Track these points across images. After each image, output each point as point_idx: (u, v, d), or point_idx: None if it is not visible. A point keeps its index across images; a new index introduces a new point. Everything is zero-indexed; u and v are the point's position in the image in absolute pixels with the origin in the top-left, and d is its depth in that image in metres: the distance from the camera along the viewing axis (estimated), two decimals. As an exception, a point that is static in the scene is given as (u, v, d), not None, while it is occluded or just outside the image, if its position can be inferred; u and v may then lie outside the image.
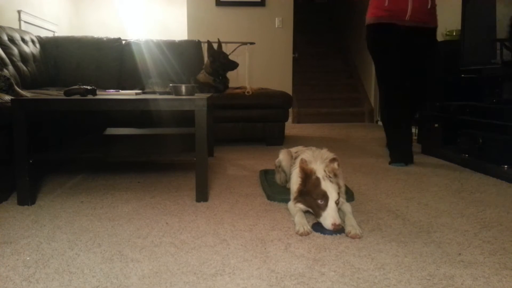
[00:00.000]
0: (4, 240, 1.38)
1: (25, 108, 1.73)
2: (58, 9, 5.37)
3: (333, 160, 1.57)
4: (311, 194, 1.49)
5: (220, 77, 3.42)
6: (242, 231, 1.48)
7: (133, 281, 1.10)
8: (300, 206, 1.57)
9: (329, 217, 1.43)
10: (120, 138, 2.60)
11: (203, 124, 1.79)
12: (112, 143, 2.36)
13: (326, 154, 1.68)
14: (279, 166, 1.98)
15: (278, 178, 2.03)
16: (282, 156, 1.97)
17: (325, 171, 1.51)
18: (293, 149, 1.97)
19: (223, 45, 3.59)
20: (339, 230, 1.43)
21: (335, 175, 1.53)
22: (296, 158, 1.81)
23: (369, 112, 6.00)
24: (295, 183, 1.62)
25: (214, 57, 3.39)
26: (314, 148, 1.78)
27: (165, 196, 1.92)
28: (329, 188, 1.46)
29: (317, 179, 1.49)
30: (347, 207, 1.59)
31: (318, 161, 1.57)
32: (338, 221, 1.42)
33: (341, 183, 1.59)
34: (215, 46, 3.46)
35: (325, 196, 1.45)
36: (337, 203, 1.46)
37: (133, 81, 3.64)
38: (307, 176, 1.52)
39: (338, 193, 1.48)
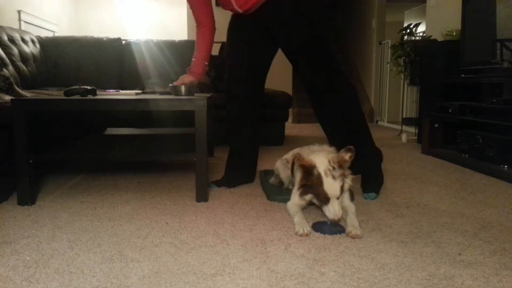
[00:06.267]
0: (4, 240, 1.38)
1: (25, 108, 1.73)
2: (58, 9, 5.37)
3: (348, 150, 1.51)
4: (313, 191, 1.49)
5: (218, 80, 3.43)
6: (242, 231, 1.48)
7: (133, 281, 1.10)
8: (306, 197, 1.54)
9: (330, 213, 1.44)
10: (120, 138, 2.60)
11: (203, 124, 1.79)
12: (112, 143, 2.36)
13: (325, 147, 1.66)
14: (278, 175, 2.02)
15: (273, 180, 2.06)
16: (280, 166, 2.00)
17: (329, 161, 1.46)
18: (289, 155, 1.97)
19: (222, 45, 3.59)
20: (339, 224, 1.44)
21: (341, 166, 1.47)
22: (293, 165, 1.81)
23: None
24: (297, 177, 1.60)
25: (207, 63, 3.41)
26: (310, 146, 1.74)
27: (165, 196, 1.92)
28: (331, 188, 1.43)
29: (319, 176, 1.45)
30: (351, 207, 1.57)
31: (320, 153, 1.53)
32: (338, 216, 1.43)
33: (347, 171, 1.54)
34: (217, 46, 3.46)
35: (326, 198, 1.45)
36: (340, 196, 1.46)
37: (133, 81, 3.65)
38: (308, 171, 1.48)
39: (342, 185, 1.46)
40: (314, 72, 1.91)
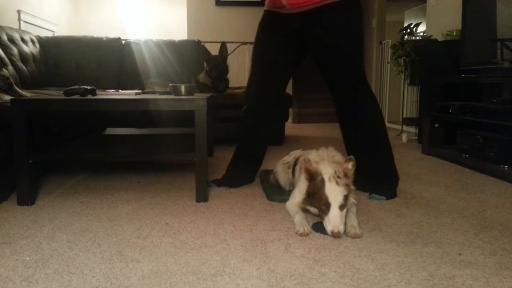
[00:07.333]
0: (4, 240, 1.38)
1: (24, 108, 1.73)
2: (58, 9, 5.37)
3: (349, 160, 1.50)
4: (315, 197, 1.45)
5: (218, 80, 3.42)
6: (242, 231, 1.47)
7: (132, 281, 1.10)
8: (309, 208, 1.54)
9: (329, 224, 1.39)
10: (120, 138, 2.60)
11: (203, 124, 1.79)
12: (112, 143, 2.36)
13: (333, 153, 1.62)
14: (277, 179, 2.01)
15: (272, 179, 2.06)
16: (279, 170, 1.99)
17: (335, 171, 1.44)
18: (291, 156, 1.96)
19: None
20: (340, 236, 1.39)
21: (346, 176, 1.46)
22: (295, 165, 1.80)
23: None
24: (302, 184, 1.56)
25: (207, 63, 3.40)
26: (317, 151, 1.68)
27: (165, 196, 1.92)
28: (333, 193, 1.39)
29: (322, 181, 1.42)
30: (351, 208, 1.57)
31: (326, 161, 1.52)
32: (338, 228, 1.36)
33: (352, 186, 1.51)
34: (215, 47, 3.46)
35: (326, 203, 1.39)
36: (343, 206, 1.40)
37: (133, 81, 3.64)
38: (312, 177, 1.47)
39: (346, 196, 1.41)
40: (338, 75, 1.91)
